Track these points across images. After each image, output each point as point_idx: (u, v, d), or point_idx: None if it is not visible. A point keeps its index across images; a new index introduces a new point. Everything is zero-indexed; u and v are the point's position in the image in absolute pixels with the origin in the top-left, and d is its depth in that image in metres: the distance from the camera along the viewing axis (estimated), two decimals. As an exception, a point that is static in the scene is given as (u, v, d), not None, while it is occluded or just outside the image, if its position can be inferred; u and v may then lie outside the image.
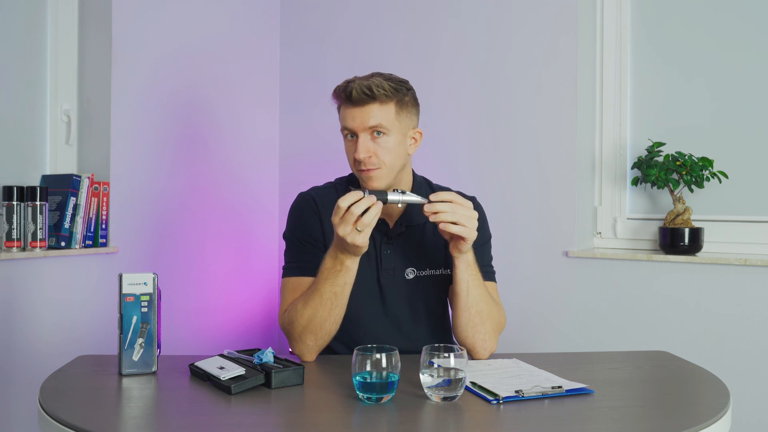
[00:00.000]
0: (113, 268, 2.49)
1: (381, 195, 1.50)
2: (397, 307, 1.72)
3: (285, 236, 1.77)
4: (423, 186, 1.78)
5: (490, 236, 1.81)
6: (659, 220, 2.56)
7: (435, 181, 1.85)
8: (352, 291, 1.68)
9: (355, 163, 1.63)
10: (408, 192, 1.56)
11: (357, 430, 1.22)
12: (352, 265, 1.54)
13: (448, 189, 1.81)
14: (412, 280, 1.72)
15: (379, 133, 1.62)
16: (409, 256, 1.72)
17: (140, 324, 1.45)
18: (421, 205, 1.72)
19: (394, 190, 1.55)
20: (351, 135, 1.64)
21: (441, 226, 1.52)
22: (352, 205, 1.45)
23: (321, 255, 1.61)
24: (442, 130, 2.78)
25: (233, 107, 3.01)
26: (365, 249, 1.51)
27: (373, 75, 1.65)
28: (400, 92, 1.64)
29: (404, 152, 1.67)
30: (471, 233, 1.52)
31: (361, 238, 1.46)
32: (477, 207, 1.79)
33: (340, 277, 1.55)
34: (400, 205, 1.57)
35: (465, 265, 1.59)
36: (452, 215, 1.50)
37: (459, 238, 1.53)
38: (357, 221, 1.45)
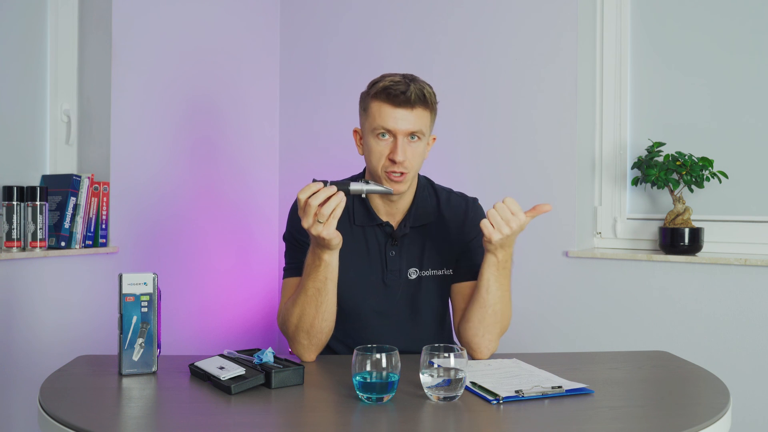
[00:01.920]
0: (113, 268, 2.49)
1: (343, 185, 1.50)
2: (399, 307, 1.72)
3: (284, 237, 1.78)
4: (426, 188, 1.78)
5: None
6: (659, 220, 2.56)
7: (435, 181, 1.85)
8: (355, 292, 1.68)
9: (388, 164, 1.63)
10: (371, 182, 1.57)
11: (357, 430, 1.22)
12: (329, 259, 1.54)
13: (449, 190, 1.82)
14: (414, 280, 1.72)
15: (413, 137, 1.63)
16: (412, 257, 1.72)
17: (140, 324, 1.45)
18: (424, 206, 1.73)
19: (358, 180, 1.56)
20: (384, 134, 1.63)
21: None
22: (310, 196, 1.46)
23: None
24: (441, 129, 2.77)
25: (233, 107, 3.01)
26: (336, 242, 1.51)
27: (415, 78, 1.65)
28: (436, 99, 1.67)
29: (425, 157, 1.70)
30: (494, 234, 1.53)
31: (325, 230, 1.46)
32: (478, 209, 1.79)
33: (320, 272, 1.55)
34: (364, 195, 1.58)
35: (490, 264, 1.59)
36: (492, 213, 1.53)
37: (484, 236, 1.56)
38: (317, 212, 1.45)
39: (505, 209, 1.53)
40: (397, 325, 1.73)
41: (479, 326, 1.62)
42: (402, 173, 1.62)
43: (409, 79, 1.63)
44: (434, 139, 1.74)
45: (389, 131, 1.62)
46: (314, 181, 1.48)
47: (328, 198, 1.46)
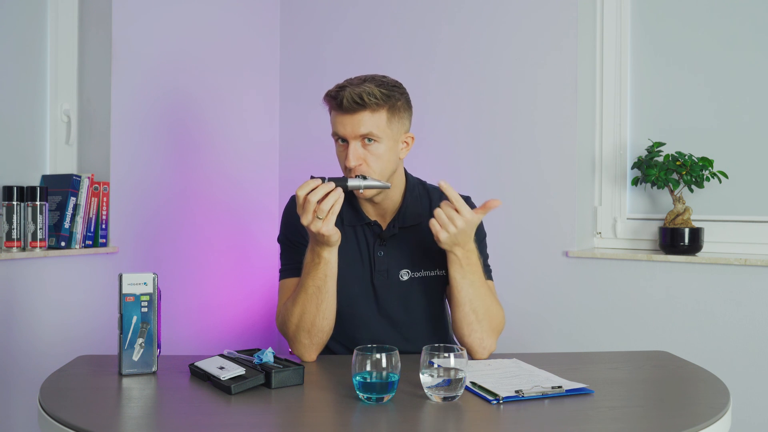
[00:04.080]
0: (113, 268, 2.49)
1: (341, 181, 1.52)
2: (391, 308, 1.72)
3: (279, 239, 1.78)
4: (416, 188, 1.78)
5: (485, 235, 1.81)
6: (659, 220, 2.56)
7: (434, 180, 1.84)
8: (347, 292, 1.68)
9: (346, 169, 1.64)
10: (369, 178, 1.58)
11: (357, 430, 1.22)
12: (329, 256, 1.55)
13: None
14: (406, 282, 1.72)
15: (369, 140, 1.61)
16: (403, 258, 1.72)
17: (140, 324, 1.45)
18: (414, 207, 1.73)
19: (356, 176, 1.57)
20: (342, 140, 1.64)
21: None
22: (309, 193, 1.46)
23: None
24: (441, 130, 2.78)
25: (233, 107, 3.01)
26: (336, 238, 1.52)
27: (365, 80, 1.62)
28: (393, 98, 1.62)
29: (395, 158, 1.66)
30: (441, 233, 1.54)
31: (325, 226, 1.47)
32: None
33: (320, 270, 1.55)
34: (361, 191, 1.59)
35: (452, 263, 1.60)
36: (438, 212, 1.54)
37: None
38: (316, 209, 1.46)
39: (449, 208, 1.54)
40: (391, 326, 1.72)
41: (463, 326, 1.62)
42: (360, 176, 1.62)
43: (357, 82, 1.61)
44: (412, 138, 1.71)
45: (341, 136, 1.63)
46: (312, 177, 1.49)
47: (327, 194, 1.47)
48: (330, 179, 1.50)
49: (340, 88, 1.61)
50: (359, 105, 1.58)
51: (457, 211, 1.53)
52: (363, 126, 1.59)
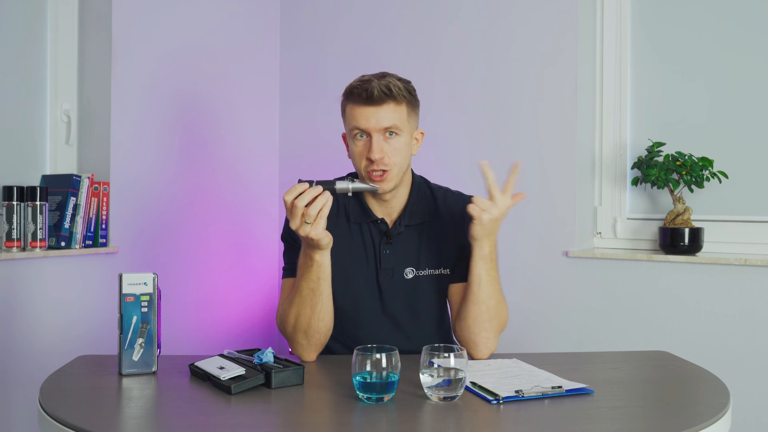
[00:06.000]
0: (113, 268, 2.49)
1: (328, 184, 1.52)
2: (396, 306, 1.72)
3: (282, 237, 1.78)
4: (422, 186, 1.78)
5: None
6: (659, 220, 2.56)
7: (435, 180, 1.85)
8: (352, 289, 1.68)
9: (367, 164, 1.62)
10: (357, 180, 1.59)
11: (357, 430, 1.22)
12: (321, 259, 1.54)
13: (446, 188, 1.82)
14: (411, 280, 1.72)
15: (391, 133, 1.62)
16: (408, 256, 1.72)
17: (140, 324, 1.45)
18: (420, 204, 1.73)
19: (343, 178, 1.57)
20: (361, 135, 1.63)
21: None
22: (296, 198, 1.46)
23: None
24: (442, 130, 2.78)
25: (233, 107, 3.01)
26: (326, 241, 1.51)
27: (385, 75, 1.65)
28: (411, 93, 1.66)
29: (410, 153, 1.69)
30: (483, 214, 1.55)
31: (313, 230, 1.47)
32: None
33: (313, 272, 1.55)
34: (350, 194, 1.59)
35: (478, 258, 1.60)
36: (477, 198, 1.57)
37: (473, 220, 1.57)
38: (304, 213, 1.46)
39: (487, 199, 1.58)
40: (394, 325, 1.72)
41: (474, 324, 1.62)
42: (383, 171, 1.62)
43: (378, 77, 1.63)
44: (422, 134, 1.73)
45: (363, 130, 1.62)
46: (300, 181, 1.48)
47: (315, 198, 1.46)
48: (318, 182, 1.49)
49: (364, 81, 1.62)
50: (387, 96, 1.60)
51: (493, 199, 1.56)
52: (388, 118, 1.61)
